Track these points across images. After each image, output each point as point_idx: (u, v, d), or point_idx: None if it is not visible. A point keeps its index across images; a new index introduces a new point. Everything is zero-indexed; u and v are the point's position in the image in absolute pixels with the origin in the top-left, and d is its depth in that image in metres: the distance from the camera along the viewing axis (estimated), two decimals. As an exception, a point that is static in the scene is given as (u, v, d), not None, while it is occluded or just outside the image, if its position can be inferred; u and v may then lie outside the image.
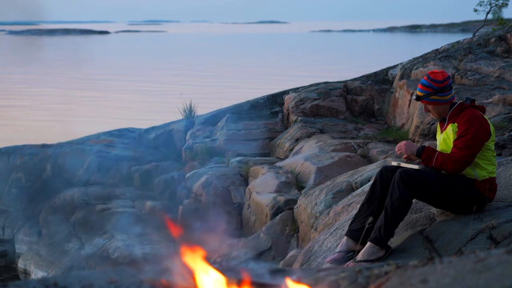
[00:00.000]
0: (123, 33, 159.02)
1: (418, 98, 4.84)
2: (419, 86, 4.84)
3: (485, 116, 4.80)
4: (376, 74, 14.05)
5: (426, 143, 9.90)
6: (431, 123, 10.22)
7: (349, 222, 5.12)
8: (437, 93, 4.76)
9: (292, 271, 2.47)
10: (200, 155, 12.61)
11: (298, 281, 2.26)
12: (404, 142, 4.83)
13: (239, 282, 2.20)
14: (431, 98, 4.78)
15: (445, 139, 4.80)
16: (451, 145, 4.74)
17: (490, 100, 10.56)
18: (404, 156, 4.81)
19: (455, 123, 4.74)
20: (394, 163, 4.89)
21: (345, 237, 4.96)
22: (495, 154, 4.83)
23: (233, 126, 13.11)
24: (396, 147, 4.90)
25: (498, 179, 5.24)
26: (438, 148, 4.89)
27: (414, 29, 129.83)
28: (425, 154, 4.71)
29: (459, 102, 4.86)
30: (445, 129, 4.83)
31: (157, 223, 10.86)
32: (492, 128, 4.76)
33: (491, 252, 2.18)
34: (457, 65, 12.34)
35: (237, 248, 9.31)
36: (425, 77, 4.84)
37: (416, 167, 4.72)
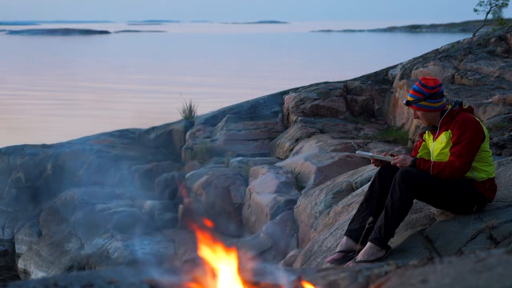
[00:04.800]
0: (123, 33, 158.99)
1: (408, 103, 4.80)
2: (410, 91, 4.82)
3: (476, 118, 4.79)
4: (376, 74, 14.04)
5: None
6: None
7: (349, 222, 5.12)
8: (427, 99, 4.72)
9: (292, 271, 2.47)
10: (200, 155, 12.61)
11: (298, 279, 2.26)
12: (401, 157, 4.77)
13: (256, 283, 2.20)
14: (421, 104, 4.75)
15: (439, 148, 4.74)
16: (447, 152, 4.71)
17: (490, 100, 10.56)
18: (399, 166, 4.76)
19: (448, 131, 4.70)
20: (363, 154, 4.97)
21: (345, 237, 4.96)
22: (491, 154, 4.80)
23: (233, 126, 13.11)
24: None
25: (498, 179, 5.24)
26: (433, 158, 4.83)
27: (414, 29, 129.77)
28: (419, 167, 4.68)
29: (449, 108, 4.80)
30: (437, 137, 4.79)
31: (157, 223, 10.87)
32: (485, 129, 4.73)
33: (491, 252, 2.18)
34: (457, 65, 12.33)
35: (237, 248, 9.31)
36: (417, 83, 4.81)
37: (389, 159, 4.75)
